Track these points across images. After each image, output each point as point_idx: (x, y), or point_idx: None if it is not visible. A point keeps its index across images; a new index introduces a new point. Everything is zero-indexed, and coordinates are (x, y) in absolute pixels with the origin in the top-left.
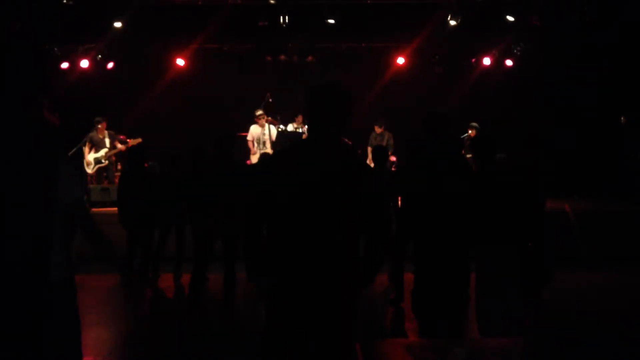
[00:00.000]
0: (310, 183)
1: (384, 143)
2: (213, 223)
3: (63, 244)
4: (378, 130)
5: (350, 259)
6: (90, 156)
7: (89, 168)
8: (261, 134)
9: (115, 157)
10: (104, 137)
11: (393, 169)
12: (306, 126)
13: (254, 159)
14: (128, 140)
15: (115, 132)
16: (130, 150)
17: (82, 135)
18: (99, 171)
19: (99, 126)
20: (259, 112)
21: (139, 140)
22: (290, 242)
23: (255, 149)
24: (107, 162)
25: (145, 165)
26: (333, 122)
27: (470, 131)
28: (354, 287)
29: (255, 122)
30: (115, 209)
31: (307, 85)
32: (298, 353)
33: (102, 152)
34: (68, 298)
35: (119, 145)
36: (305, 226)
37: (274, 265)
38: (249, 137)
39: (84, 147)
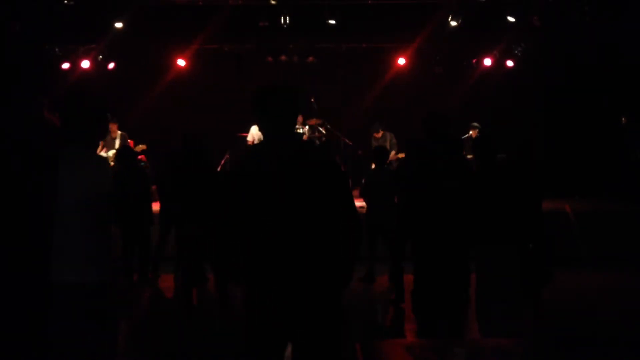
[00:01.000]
0: (271, 185)
1: (387, 145)
2: (196, 225)
3: (93, 247)
4: (377, 135)
5: (323, 258)
6: None
7: None
8: (261, 134)
9: None
10: (115, 138)
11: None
12: (307, 127)
13: None
14: (129, 140)
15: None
16: (120, 150)
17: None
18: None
19: (110, 126)
20: None
21: (144, 147)
22: (259, 246)
23: None
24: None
25: (145, 162)
26: (284, 121)
27: (471, 131)
28: (332, 287)
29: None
30: None
31: (255, 88)
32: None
33: (111, 152)
34: (96, 304)
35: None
36: (272, 229)
37: (244, 270)
38: (249, 138)
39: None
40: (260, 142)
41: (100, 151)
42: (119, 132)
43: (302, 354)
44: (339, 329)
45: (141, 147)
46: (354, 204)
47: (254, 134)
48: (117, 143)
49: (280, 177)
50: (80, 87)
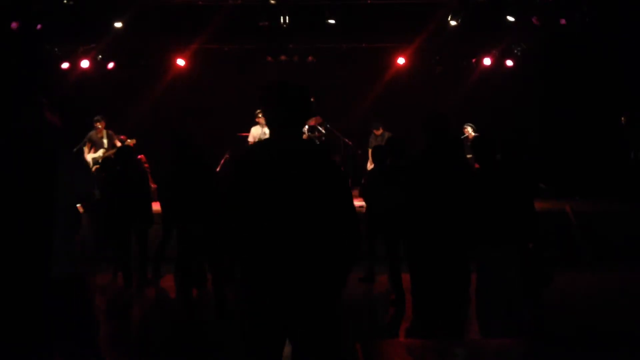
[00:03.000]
0: (273, 182)
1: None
2: (197, 225)
3: (66, 240)
4: (377, 132)
5: (321, 257)
6: (89, 156)
7: None
8: (262, 134)
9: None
10: (102, 137)
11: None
12: (306, 126)
13: None
14: (128, 140)
15: (116, 132)
16: (120, 150)
17: (82, 135)
18: (97, 171)
19: (98, 125)
20: (257, 112)
21: (134, 141)
22: (259, 241)
23: None
24: None
25: (146, 165)
26: (289, 118)
27: (466, 131)
28: (330, 286)
29: (256, 123)
30: None
31: (263, 83)
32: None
33: (100, 152)
34: (74, 295)
35: (119, 144)
36: (271, 225)
37: (244, 265)
38: (250, 138)
39: (84, 147)
40: (266, 138)
41: (89, 151)
42: (105, 131)
43: (302, 354)
44: (338, 328)
45: (129, 142)
46: (352, 204)
47: (255, 134)
48: (105, 142)
49: (281, 174)
50: (79, 89)
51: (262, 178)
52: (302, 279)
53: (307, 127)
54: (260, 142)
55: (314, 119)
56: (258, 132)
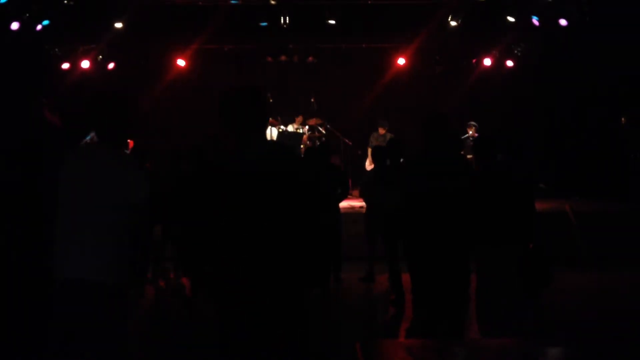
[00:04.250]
0: (233, 185)
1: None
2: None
3: (110, 247)
4: (382, 131)
5: (291, 258)
6: None
7: None
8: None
9: None
10: None
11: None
12: (307, 127)
13: None
14: (129, 141)
15: None
16: (130, 151)
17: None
18: None
19: None
20: None
21: (132, 142)
22: (226, 252)
23: None
24: None
25: (147, 165)
26: (252, 123)
27: (469, 130)
28: (299, 287)
29: None
30: None
31: (222, 90)
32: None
33: None
34: (106, 304)
35: None
36: (237, 234)
37: (212, 278)
38: None
39: None
40: (229, 147)
41: None
42: None
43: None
44: (305, 331)
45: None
46: (318, 208)
47: None
48: None
49: (246, 182)
50: (105, 89)
51: (227, 186)
52: (271, 287)
53: (307, 127)
54: (227, 150)
55: (314, 118)
56: None
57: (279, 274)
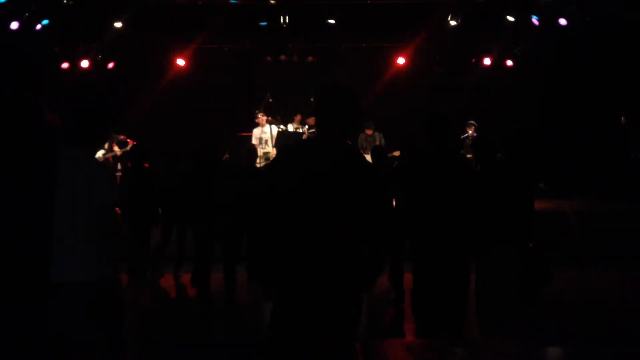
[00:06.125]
0: (313, 184)
1: (377, 143)
2: (213, 224)
3: (91, 246)
4: (369, 132)
5: (352, 262)
6: None
7: None
8: (261, 133)
9: (113, 159)
10: None
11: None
12: (306, 126)
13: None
14: (128, 140)
15: (115, 132)
16: (130, 150)
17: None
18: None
19: None
20: (257, 112)
21: (132, 142)
22: (293, 244)
23: (259, 149)
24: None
25: (146, 165)
26: (340, 123)
27: (468, 129)
28: (356, 291)
29: (256, 124)
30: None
31: (319, 87)
32: (300, 355)
33: (100, 153)
34: (94, 300)
35: (116, 148)
36: (307, 228)
37: (276, 270)
38: (253, 140)
39: None
40: (314, 138)
41: None
42: None
43: (317, 351)
44: (354, 330)
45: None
46: (390, 213)
47: (256, 135)
48: (106, 144)
49: (327, 178)
50: (79, 88)
51: (306, 181)
52: (330, 281)
53: (306, 126)
54: (308, 142)
55: (312, 117)
56: (258, 131)
57: (349, 270)
